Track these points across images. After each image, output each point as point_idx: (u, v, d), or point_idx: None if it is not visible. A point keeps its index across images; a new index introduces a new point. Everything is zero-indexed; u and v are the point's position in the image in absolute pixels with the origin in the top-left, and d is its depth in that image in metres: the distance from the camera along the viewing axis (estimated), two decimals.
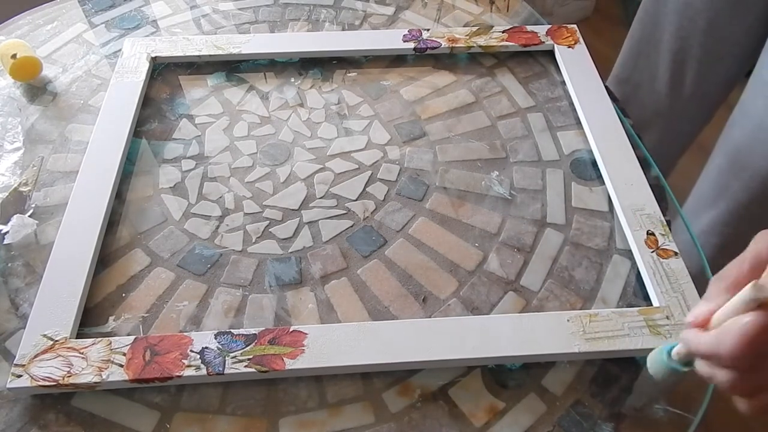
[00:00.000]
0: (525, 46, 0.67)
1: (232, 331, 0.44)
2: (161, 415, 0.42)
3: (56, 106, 0.62)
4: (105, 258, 0.50)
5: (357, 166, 0.57)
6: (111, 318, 0.46)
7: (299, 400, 0.43)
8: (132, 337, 0.43)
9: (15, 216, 0.52)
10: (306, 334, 0.44)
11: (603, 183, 0.56)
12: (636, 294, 0.49)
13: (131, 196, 0.54)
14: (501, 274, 0.50)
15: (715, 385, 0.32)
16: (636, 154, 0.56)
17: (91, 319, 0.46)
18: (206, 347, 0.43)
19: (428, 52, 0.66)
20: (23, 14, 0.72)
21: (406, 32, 0.67)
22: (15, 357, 0.42)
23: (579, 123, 0.61)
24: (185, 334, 0.44)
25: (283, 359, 0.42)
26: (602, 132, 0.58)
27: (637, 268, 0.50)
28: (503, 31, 0.68)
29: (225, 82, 0.64)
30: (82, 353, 0.42)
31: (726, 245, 0.71)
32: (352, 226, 0.53)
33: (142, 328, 0.46)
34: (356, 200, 0.54)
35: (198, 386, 0.43)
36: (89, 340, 0.43)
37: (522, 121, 0.62)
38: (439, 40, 0.66)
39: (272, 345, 0.43)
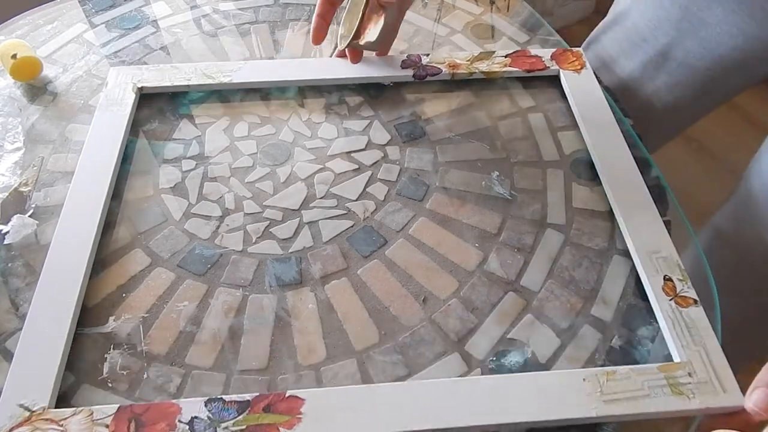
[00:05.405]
0: (529, 71, 0.64)
1: (223, 398, 0.41)
2: None
3: (56, 106, 0.62)
4: (105, 258, 0.50)
5: (357, 166, 0.57)
6: (111, 318, 0.46)
7: None
8: (115, 407, 0.41)
9: (15, 216, 0.52)
10: (303, 400, 0.41)
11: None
12: (636, 294, 0.49)
13: (131, 196, 0.54)
14: (501, 274, 0.50)
15: None
16: (634, 154, 0.56)
17: (91, 319, 0.46)
18: (196, 416, 0.40)
19: (428, 79, 0.63)
20: (23, 14, 0.72)
21: (405, 58, 0.64)
22: (15, 357, 0.42)
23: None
24: (173, 401, 0.41)
25: (278, 429, 0.40)
26: (613, 169, 0.55)
27: (637, 271, 0.50)
28: (506, 56, 0.65)
29: None
30: (61, 425, 0.40)
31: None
32: (352, 227, 0.53)
33: (142, 328, 0.46)
34: (356, 200, 0.54)
35: (198, 386, 0.43)
36: (69, 411, 0.40)
37: (522, 121, 0.61)
38: (439, 66, 0.64)
39: (267, 413, 0.41)
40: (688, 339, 0.45)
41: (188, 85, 0.62)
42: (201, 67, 0.63)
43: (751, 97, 1.59)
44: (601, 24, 0.77)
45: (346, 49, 0.62)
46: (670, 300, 0.47)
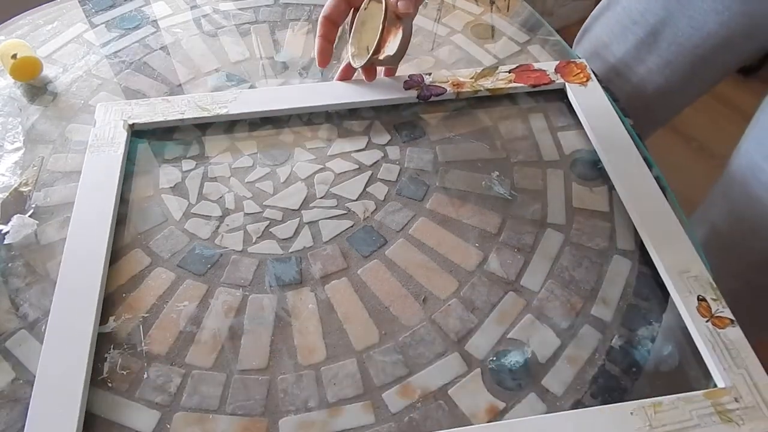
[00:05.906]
0: (534, 86, 0.63)
1: None
2: (161, 415, 0.42)
3: (56, 106, 0.62)
4: None
5: (357, 166, 0.57)
6: (111, 318, 0.46)
7: (299, 400, 0.43)
8: None
9: (15, 216, 0.52)
10: None
11: (603, 183, 0.56)
12: (636, 294, 0.49)
13: (131, 196, 0.54)
14: (501, 274, 0.50)
15: None
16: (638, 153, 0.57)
17: None
18: None
19: (432, 99, 0.62)
20: (23, 14, 0.72)
21: (407, 78, 0.62)
22: (15, 357, 0.42)
23: (579, 123, 0.61)
24: None
25: None
26: (631, 185, 0.54)
27: (637, 271, 0.50)
28: (509, 71, 0.63)
29: (226, 81, 0.64)
30: None
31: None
32: (352, 226, 0.53)
33: (142, 328, 0.46)
34: (356, 200, 0.54)
35: (198, 386, 0.43)
36: None
37: (522, 121, 0.61)
38: (443, 85, 0.62)
39: None
40: (729, 362, 0.43)
41: (182, 119, 0.59)
42: (194, 99, 0.60)
43: (753, 98, 1.59)
44: (593, 13, 0.79)
45: (361, 69, 0.60)
46: (707, 321, 0.45)
